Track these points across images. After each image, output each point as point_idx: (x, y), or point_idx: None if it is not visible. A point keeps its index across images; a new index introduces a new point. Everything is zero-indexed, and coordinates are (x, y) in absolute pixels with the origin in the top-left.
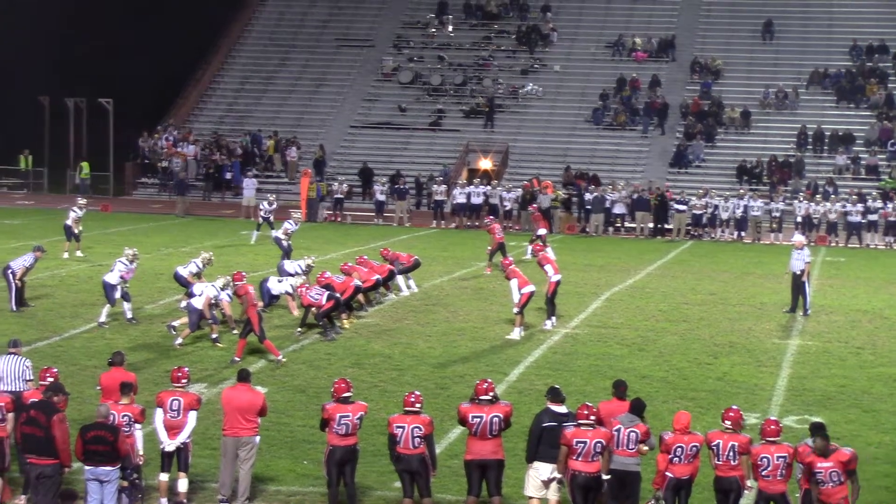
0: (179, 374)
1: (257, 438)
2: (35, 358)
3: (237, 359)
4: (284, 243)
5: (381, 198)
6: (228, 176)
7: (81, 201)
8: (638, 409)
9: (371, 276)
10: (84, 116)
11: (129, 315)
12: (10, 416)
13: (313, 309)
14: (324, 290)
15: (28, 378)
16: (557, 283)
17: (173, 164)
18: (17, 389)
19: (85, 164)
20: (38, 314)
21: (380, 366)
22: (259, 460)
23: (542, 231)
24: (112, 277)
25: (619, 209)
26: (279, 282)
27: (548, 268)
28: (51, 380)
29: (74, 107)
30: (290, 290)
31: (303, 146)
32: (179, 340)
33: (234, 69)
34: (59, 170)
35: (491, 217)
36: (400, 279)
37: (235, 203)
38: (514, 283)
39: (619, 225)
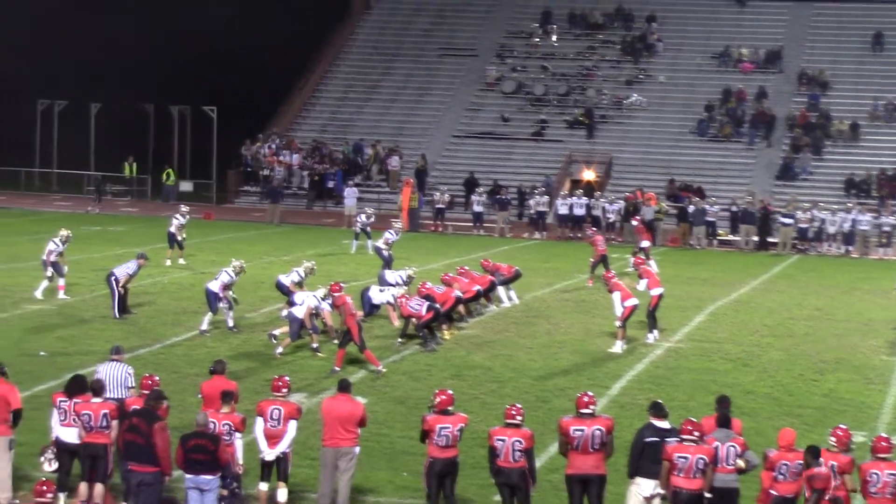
0: (280, 384)
1: (357, 449)
2: (137, 365)
3: (337, 368)
4: (385, 253)
5: (479, 209)
6: (331, 185)
7: (184, 208)
8: (725, 421)
9: (472, 287)
10: (188, 124)
11: (231, 324)
12: (115, 423)
13: (413, 319)
14: (424, 300)
15: (130, 385)
16: (660, 296)
17: (275, 172)
18: (120, 396)
19: (171, 171)
20: (141, 321)
21: (480, 378)
22: (358, 471)
23: (646, 243)
24: (215, 286)
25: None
26: (380, 291)
27: (643, 282)
28: (154, 388)
29: (178, 115)
30: (391, 300)
31: (405, 155)
32: (280, 349)
33: (338, 78)
34: (162, 177)
35: (594, 229)
36: (501, 290)
37: (337, 212)
38: (616, 295)
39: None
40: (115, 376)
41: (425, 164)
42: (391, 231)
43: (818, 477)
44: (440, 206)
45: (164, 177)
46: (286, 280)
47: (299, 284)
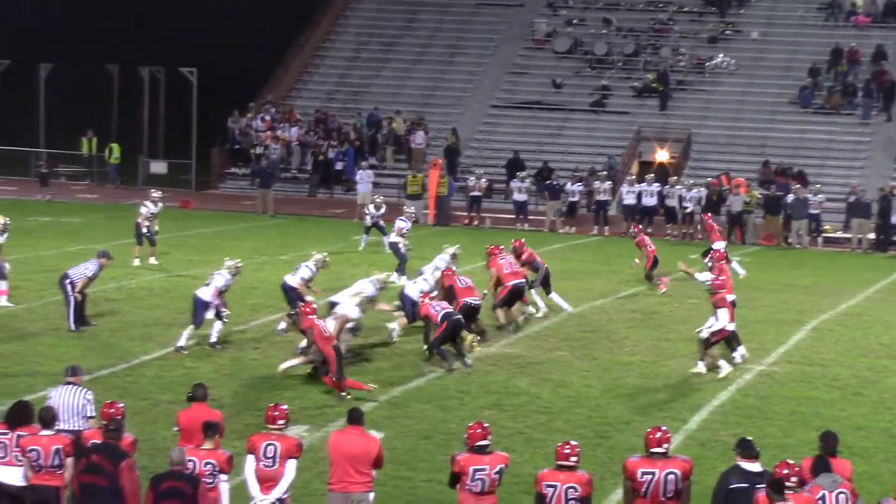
0: (276, 414)
1: (371, 495)
2: (97, 389)
3: (344, 395)
4: (402, 248)
5: (521, 197)
6: (339, 166)
7: (156, 194)
8: (828, 464)
9: (511, 277)
10: (161, 90)
11: (214, 339)
12: (69, 461)
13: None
14: (448, 306)
15: (89, 414)
16: (733, 304)
17: (270, 150)
18: (76, 428)
19: (115, 146)
20: (102, 335)
21: (525, 407)
22: None
23: (720, 245)
24: (206, 293)
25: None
26: (414, 283)
27: (705, 275)
28: (115, 417)
29: (150, 78)
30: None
31: (431, 130)
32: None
33: (347, 33)
34: (129, 156)
35: (638, 227)
36: (535, 296)
37: (348, 200)
38: (723, 313)
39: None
40: (71, 403)
41: (457, 141)
42: (402, 218)
43: None
44: (475, 193)
45: (107, 153)
46: (293, 280)
47: (308, 282)
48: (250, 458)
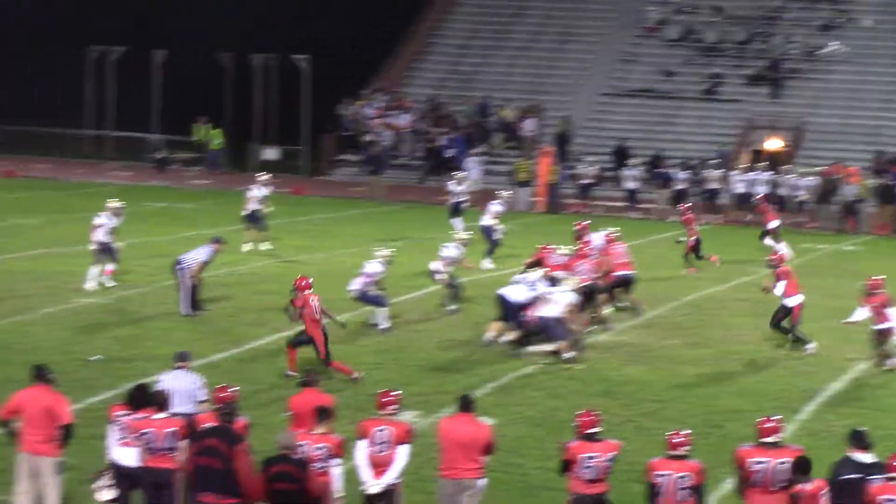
0: (387, 399)
1: (482, 482)
2: (211, 374)
3: (290, 373)
4: (495, 234)
5: (634, 185)
6: (449, 154)
7: (264, 177)
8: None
9: (618, 268)
10: (274, 77)
11: (386, 324)
12: (184, 444)
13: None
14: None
15: (201, 398)
16: (800, 307)
17: (381, 137)
18: (188, 412)
19: (217, 132)
20: (215, 320)
21: (636, 395)
22: None
23: (774, 223)
24: (357, 283)
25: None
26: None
27: (780, 285)
28: (228, 401)
29: (262, 65)
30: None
31: (542, 118)
32: (547, 348)
33: (458, 21)
34: (241, 142)
35: (687, 205)
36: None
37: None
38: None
39: None
40: (182, 388)
41: (568, 128)
42: (498, 202)
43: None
44: (586, 180)
45: (209, 138)
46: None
47: (452, 263)
48: (362, 444)
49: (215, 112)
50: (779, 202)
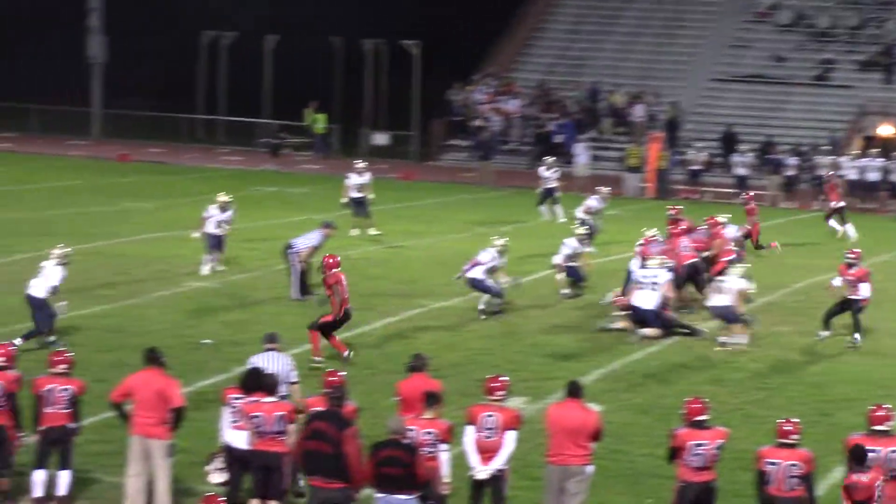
0: (496, 385)
1: (589, 468)
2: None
3: (347, 354)
4: (592, 222)
5: (744, 171)
6: (559, 139)
7: (360, 164)
8: None
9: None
10: (384, 63)
11: (494, 309)
12: (293, 427)
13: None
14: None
15: (292, 380)
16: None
17: (490, 122)
18: (281, 393)
19: (321, 116)
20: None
21: (744, 383)
22: (592, 496)
23: (837, 204)
24: (478, 272)
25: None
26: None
27: (865, 287)
28: (337, 385)
29: (373, 51)
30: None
31: (651, 103)
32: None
33: (568, 6)
34: (352, 127)
35: (749, 193)
36: None
37: (567, 173)
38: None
39: None
40: (274, 370)
41: (677, 114)
42: (596, 197)
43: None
44: (695, 167)
45: (313, 123)
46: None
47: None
48: (470, 429)
49: (326, 97)
50: (891, 189)
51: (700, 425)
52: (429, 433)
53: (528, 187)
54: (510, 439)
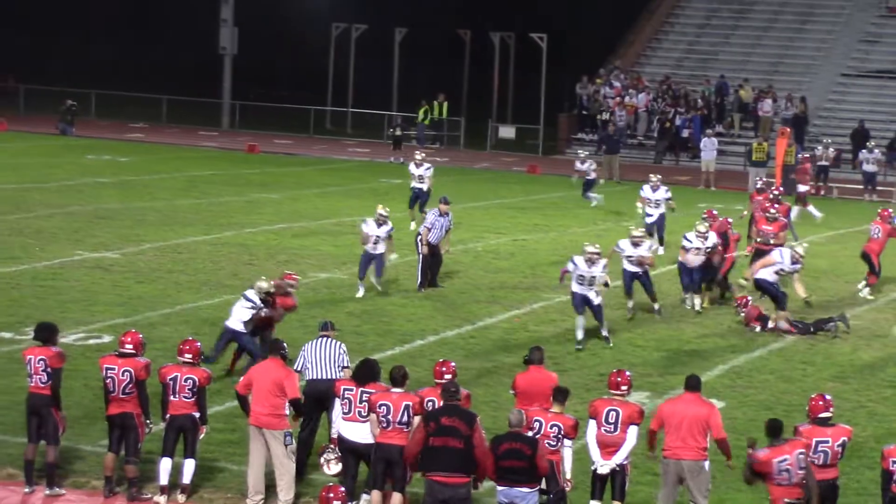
0: (618, 380)
1: (706, 464)
2: (443, 350)
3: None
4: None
5: (871, 168)
6: (686, 134)
7: (419, 155)
8: None
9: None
10: (511, 56)
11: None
12: (417, 419)
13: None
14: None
15: (345, 364)
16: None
17: (617, 117)
18: (331, 377)
19: (423, 108)
20: (449, 296)
21: (869, 380)
22: (712, 491)
23: (803, 188)
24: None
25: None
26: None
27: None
28: (453, 380)
29: (500, 43)
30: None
31: (780, 98)
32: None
33: (698, 0)
34: (478, 121)
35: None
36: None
37: (693, 167)
38: None
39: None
40: (327, 354)
41: (805, 109)
42: (648, 186)
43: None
44: (823, 162)
45: (420, 114)
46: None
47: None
48: (592, 423)
49: (453, 90)
50: None
51: (824, 422)
52: (555, 426)
53: None
54: (632, 434)
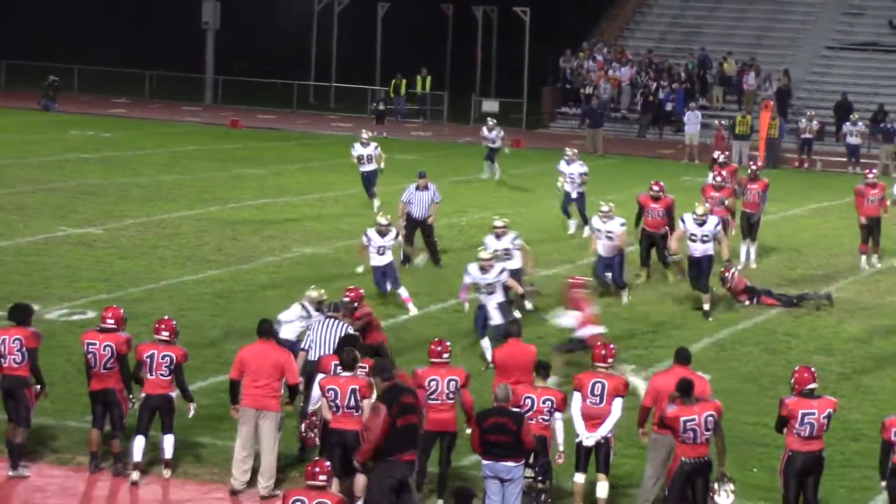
0: (604, 353)
1: None
2: (427, 325)
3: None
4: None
5: (855, 140)
6: (669, 107)
7: (366, 134)
8: None
9: None
10: (494, 29)
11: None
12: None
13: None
14: None
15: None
16: None
17: (601, 90)
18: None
19: (404, 82)
20: (434, 272)
21: (853, 353)
22: None
23: (718, 155)
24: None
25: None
26: None
27: None
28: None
29: (483, 17)
30: None
31: (763, 71)
32: None
33: None
34: (461, 95)
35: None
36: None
37: (677, 141)
38: None
39: None
40: (334, 336)
41: (789, 82)
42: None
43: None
44: (807, 135)
45: (393, 87)
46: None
47: None
48: (577, 396)
49: (436, 64)
50: None
51: (809, 394)
52: (547, 400)
53: (637, 156)
54: (617, 407)
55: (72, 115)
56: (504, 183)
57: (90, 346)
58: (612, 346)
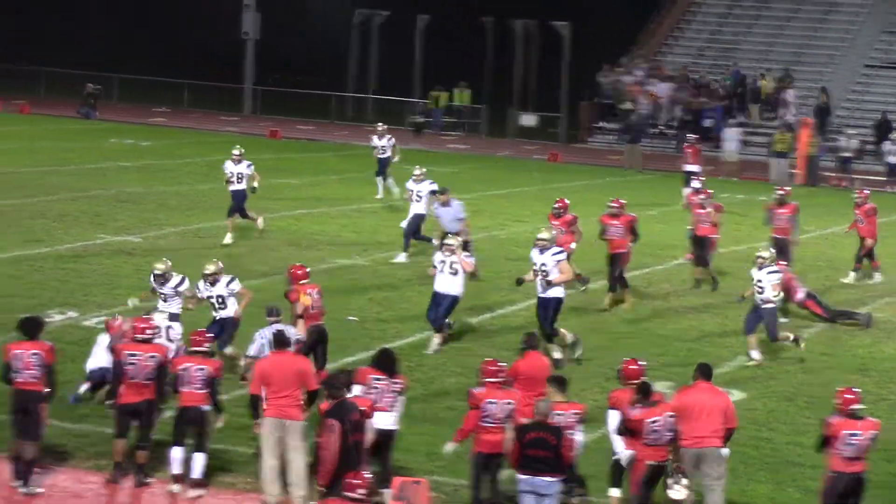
0: (634, 368)
1: (725, 451)
2: (467, 337)
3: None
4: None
5: (893, 159)
6: (708, 123)
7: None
8: None
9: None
10: (534, 43)
11: None
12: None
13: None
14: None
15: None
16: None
17: (639, 105)
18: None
19: (444, 95)
20: (469, 284)
21: (890, 373)
22: (732, 483)
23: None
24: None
25: None
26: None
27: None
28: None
29: (523, 31)
30: None
31: (802, 89)
32: None
33: None
34: (500, 109)
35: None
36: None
37: (715, 157)
38: None
39: None
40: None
41: (828, 100)
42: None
43: None
44: (846, 154)
45: (433, 99)
46: None
47: None
48: (614, 414)
49: (475, 77)
50: None
51: (854, 415)
52: (576, 414)
53: (675, 171)
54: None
55: (111, 124)
56: (552, 197)
57: (132, 358)
58: (641, 362)
